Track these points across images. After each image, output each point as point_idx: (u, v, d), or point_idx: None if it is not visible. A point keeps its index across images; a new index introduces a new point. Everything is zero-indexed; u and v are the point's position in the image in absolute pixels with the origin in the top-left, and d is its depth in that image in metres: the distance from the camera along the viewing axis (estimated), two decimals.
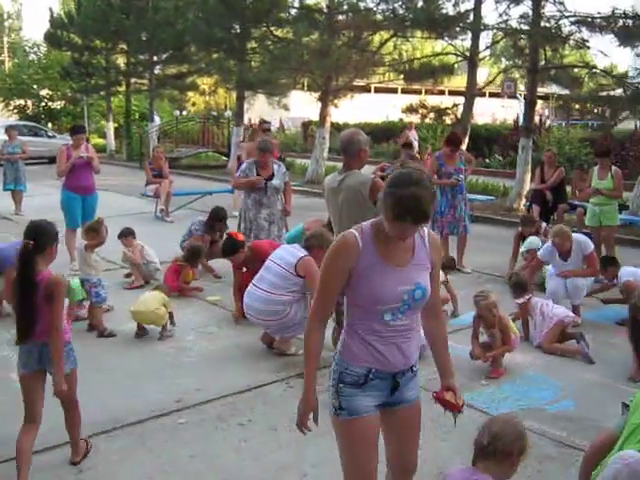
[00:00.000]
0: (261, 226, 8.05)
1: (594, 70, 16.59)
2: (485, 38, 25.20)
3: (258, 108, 25.73)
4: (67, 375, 4.07)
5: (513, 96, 21.98)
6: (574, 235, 7.45)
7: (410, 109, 19.80)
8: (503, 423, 3.05)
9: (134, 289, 8.25)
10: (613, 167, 9.53)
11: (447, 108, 18.86)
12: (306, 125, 31.68)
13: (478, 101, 17.73)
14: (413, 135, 21.77)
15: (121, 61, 31.94)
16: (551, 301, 6.90)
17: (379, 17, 18.45)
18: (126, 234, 8.75)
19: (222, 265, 8.83)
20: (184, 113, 43.09)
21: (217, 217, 9.51)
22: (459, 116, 18.01)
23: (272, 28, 21.43)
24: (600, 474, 3.49)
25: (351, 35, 19.04)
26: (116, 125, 33.18)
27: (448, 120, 19.55)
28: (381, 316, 2.89)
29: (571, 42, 15.54)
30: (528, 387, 5.66)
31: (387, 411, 3.04)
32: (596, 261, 7.59)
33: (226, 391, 5.45)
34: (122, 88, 31.10)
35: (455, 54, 17.73)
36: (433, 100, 22.86)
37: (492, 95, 35.52)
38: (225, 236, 7.73)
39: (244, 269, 7.21)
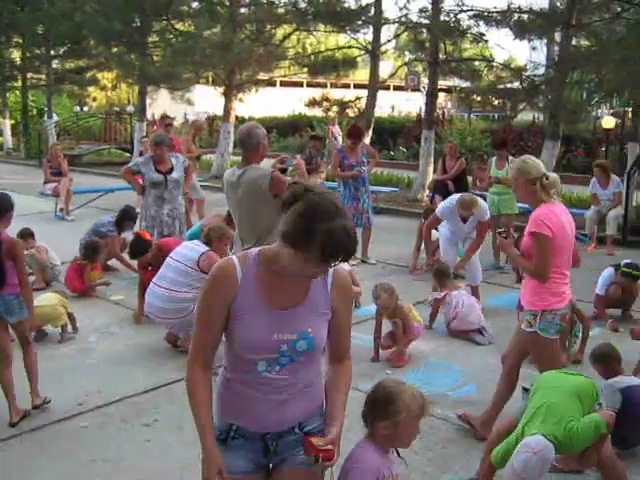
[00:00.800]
0: (165, 222, 7.90)
1: (492, 63, 17.08)
2: (387, 32, 25.72)
3: (161, 103, 25.30)
4: (23, 320, 4.86)
5: (417, 89, 22.35)
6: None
7: (313, 102, 19.83)
8: (375, 386, 2.82)
9: (35, 291, 7.95)
10: (510, 157, 9.83)
11: (350, 101, 19.04)
12: (211, 120, 31.36)
13: (383, 94, 17.96)
14: (337, 130, 21.72)
15: (16, 55, 30.74)
16: (466, 299, 6.99)
17: (281, 10, 18.45)
18: (25, 235, 8.40)
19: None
20: (85, 109, 41.92)
21: (129, 216, 9.21)
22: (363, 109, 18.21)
23: (173, 21, 21.10)
24: (508, 462, 3.59)
25: (253, 28, 18.98)
26: (13, 122, 31.93)
27: (351, 113, 19.73)
28: (254, 365, 2.42)
29: (469, 36, 15.96)
30: (431, 374, 5.79)
31: (273, 473, 2.59)
32: (486, 230, 7.96)
33: (130, 392, 5.34)
34: (18, 83, 29.97)
35: (358, 48, 17.91)
36: (339, 93, 22.99)
37: (397, 88, 36.11)
38: (133, 236, 7.54)
39: (149, 267, 7.08)
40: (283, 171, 5.18)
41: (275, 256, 2.35)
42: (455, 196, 7.88)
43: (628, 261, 7.66)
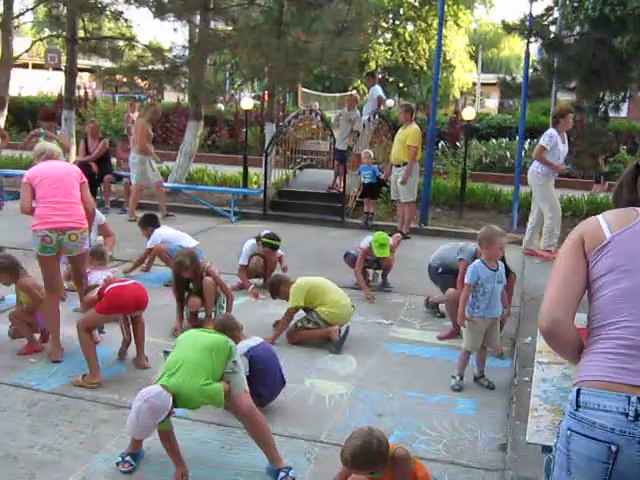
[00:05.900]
0: None
1: (134, 43, 16.95)
2: (21, 5, 23.93)
3: None
4: None
5: (58, 67, 21.43)
6: None
7: None
8: None
9: None
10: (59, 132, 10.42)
11: None
12: None
13: (21, 73, 16.85)
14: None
15: None
16: (103, 275, 6.86)
17: None
18: None
19: None
20: None
21: None
22: None
23: None
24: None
25: None
26: None
27: None
28: None
29: (109, 14, 15.66)
30: (77, 359, 5.54)
31: None
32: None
33: None
34: None
35: None
36: None
37: (36, 67, 34.10)
38: None
39: None
40: None
41: None
42: None
43: (267, 231, 8.12)
